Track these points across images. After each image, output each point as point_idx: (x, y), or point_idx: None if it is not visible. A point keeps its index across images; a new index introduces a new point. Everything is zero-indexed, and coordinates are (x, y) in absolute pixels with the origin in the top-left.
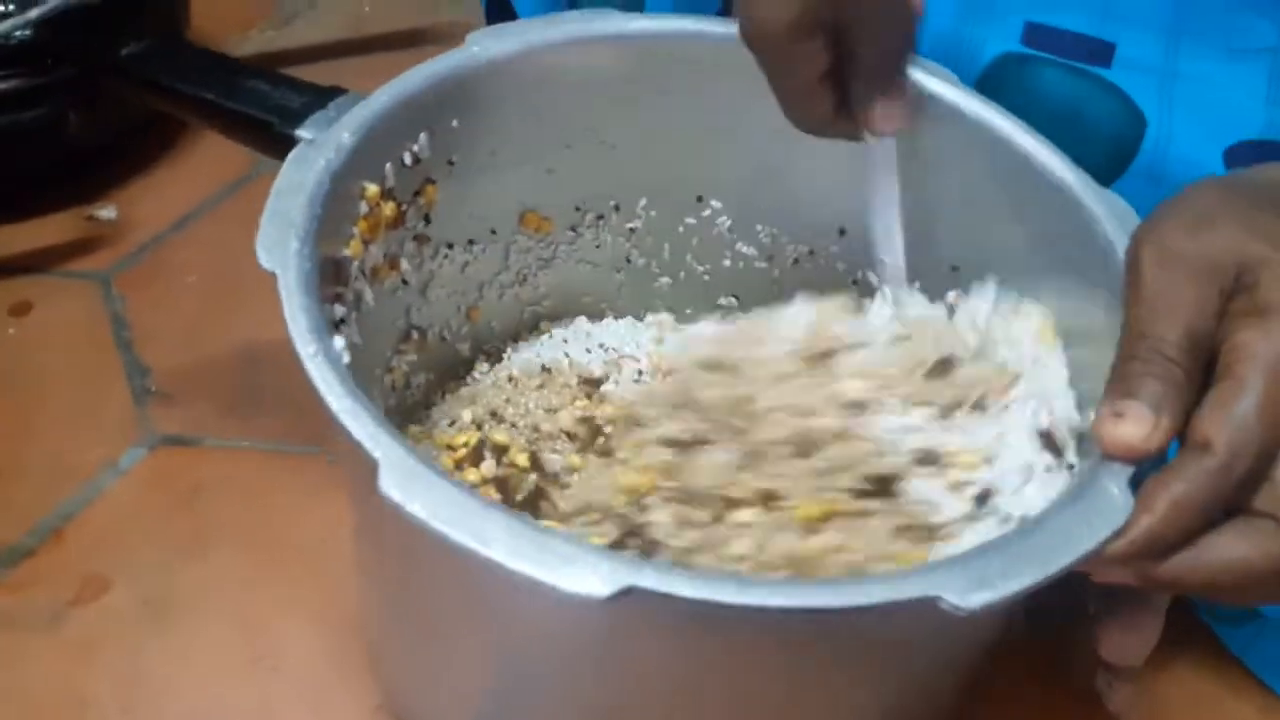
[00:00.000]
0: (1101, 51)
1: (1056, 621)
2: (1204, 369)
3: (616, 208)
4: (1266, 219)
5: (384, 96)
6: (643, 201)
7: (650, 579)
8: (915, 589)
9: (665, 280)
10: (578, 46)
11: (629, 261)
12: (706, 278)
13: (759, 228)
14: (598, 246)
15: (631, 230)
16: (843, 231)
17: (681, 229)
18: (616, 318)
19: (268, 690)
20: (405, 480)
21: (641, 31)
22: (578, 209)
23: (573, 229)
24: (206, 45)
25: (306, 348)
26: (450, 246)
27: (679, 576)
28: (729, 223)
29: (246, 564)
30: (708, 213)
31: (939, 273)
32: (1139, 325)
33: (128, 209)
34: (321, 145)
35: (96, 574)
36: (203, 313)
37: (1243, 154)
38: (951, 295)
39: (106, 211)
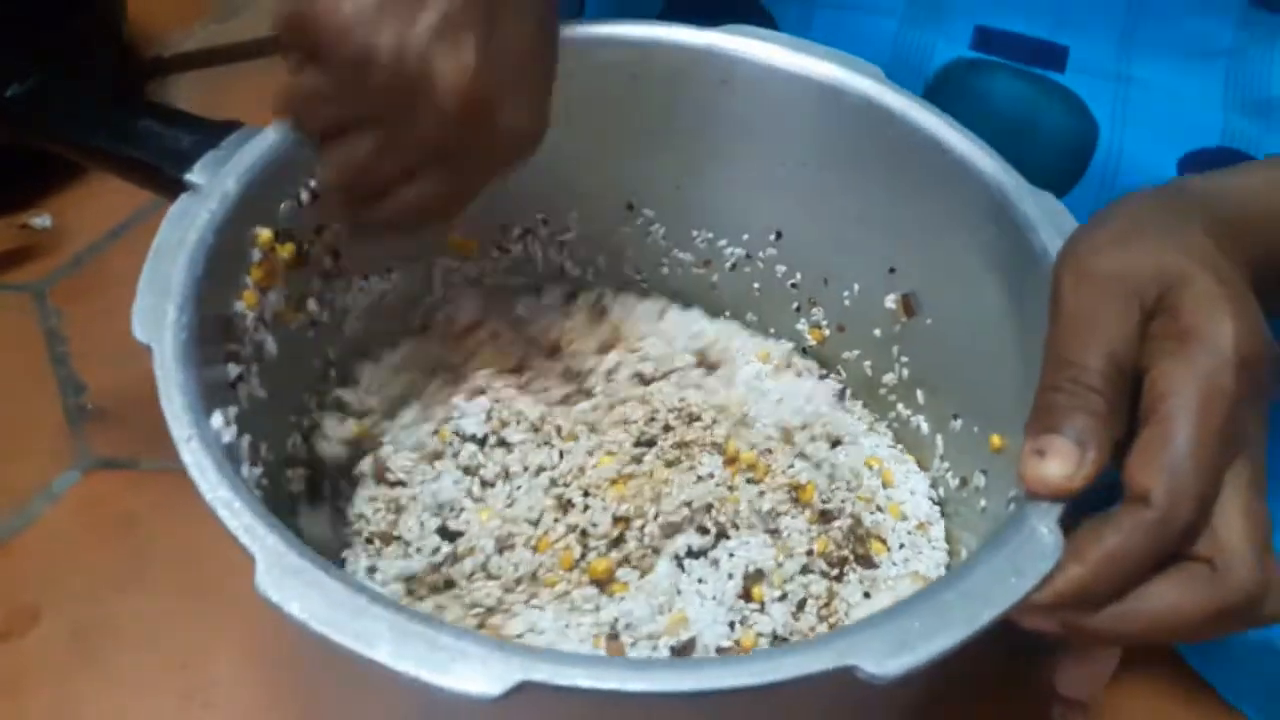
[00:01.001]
0: (1054, 55)
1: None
2: (1129, 393)
3: (544, 220)
4: (1193, 232)
5: (273, 134)
6: (573, 213)
7: (544, 672)
8: (829, 659)
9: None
10: None
11: (563, 274)
12: (645, 285)
13: (694, 233)
14: (528, 261)
15: (562, 243)
16: (779, 235)
17: (615, 238)
18: None
19: None
20: (284, 577)
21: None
22: (503, 226)
23: (499, 247)
24: (147, 42)
25: (181, 431)
26: (366, 278)
27: (575, 667)
28: (663, 230)
29: (181, 595)
30: (640, 220)
31: (878, 273)
32: (1059, 352)
33: (62, 217)
34: (205, 195)
35: (26, 604)
36: None
37: (1198, 162)
38: None
39: (40, 220)
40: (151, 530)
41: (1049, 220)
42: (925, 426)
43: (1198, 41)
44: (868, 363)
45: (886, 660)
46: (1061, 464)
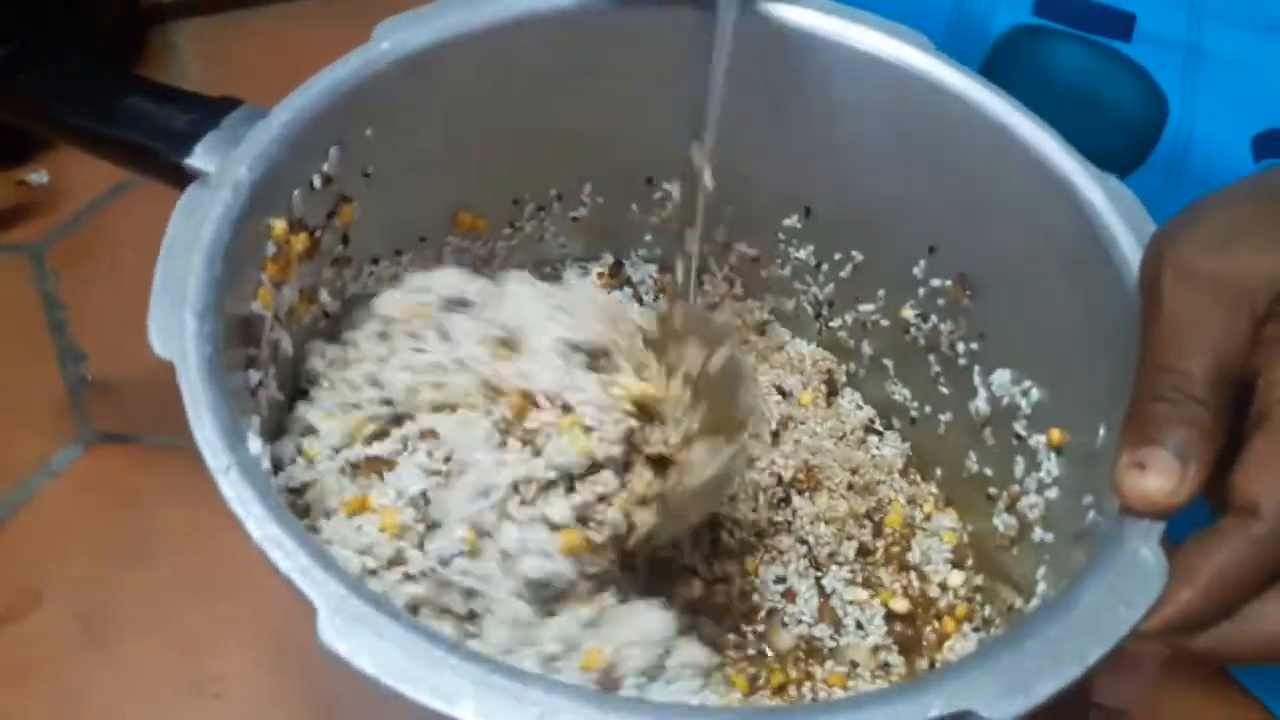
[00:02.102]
0: (1121, 22)
1: None
2: (1235, 405)
3: (559, 196)
4: None
5: (284, 114)
6: (587, 188)
7: None
8: (939, 704)
9: None
10: (496, 32)
11: (576, 254)
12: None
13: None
14: (540, 239)
15: (575, 220)
16: (808, 212)
17: (631, 214)
18: None
19: (210, 717)
20: (349, 625)
21: (562, 9)
22: (515, 202)
23: (511, 224)
24: None
25: (217, 461)
26: (375, 262)
27: None
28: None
29: (189, 578)
30: (659, 195)
31: (915, 255)
32: (1160, 358)
33: (61, 173)
34: (216, 185)
35: (27, 587)
36: (143, 290)
37: (1273, 141)
38: None
39: (38, 176)
40: (156, 509)
41: (1116, 207)
42: None
43: (1274, 12)
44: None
45: (1000, 703)
46: (1163, 479)
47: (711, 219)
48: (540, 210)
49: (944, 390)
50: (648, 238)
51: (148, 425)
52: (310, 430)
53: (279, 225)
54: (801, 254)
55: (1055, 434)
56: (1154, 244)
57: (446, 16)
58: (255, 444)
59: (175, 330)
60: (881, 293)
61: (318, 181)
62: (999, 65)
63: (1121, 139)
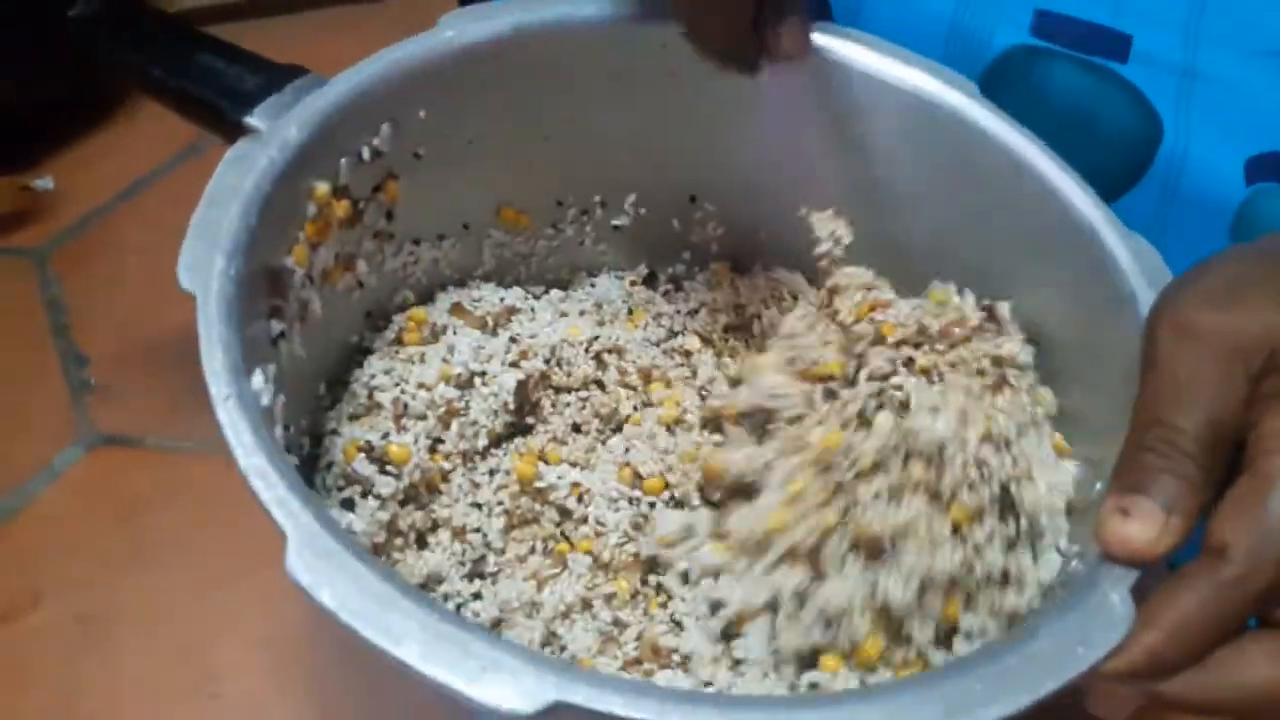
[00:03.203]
0: (1117, 44)
1: None
2: (1226, 462)
3: (602, 204)
4: None
5: (341, 85)
6: (631, 198)
7: (582, 694)
8: (880, 716)
9: None
10: (560, 32)
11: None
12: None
13: (754, 233)
14: (580, 244)
15: (616, 228)
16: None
17: (671, 231)
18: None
19: (209, 718)
20: (316, 560)
21: (630, 15)
22: (559, 203)
23: (554, 225)
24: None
25: (219, 389)
26: (417, 243)
27: (615, 692)
28: (722, 229)
29: (188, 579)
30: (700, 214)
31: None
32: (1153, 410)
33: (66, 179)
34: (265, 142)
35: (27, 588)
36: (146, 296)
37: (1266, 165)
38: None
39: (43, 181)
40: (157, 511)
41: (1138, 263)
42: None
43: (1269, 37)
44: None
45: None
46: (1145, 527)
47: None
48: (583, 214)
49: None
50: (685, 255)
51: (149, 428)
52: None
53: (322, 188)
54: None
55: (1059, 442)
56: (1157, 299)
57: (512, 14)
58: (258, 381)
59: (203, 267)
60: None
61: (366, 154)
62: (995, 85)
63: (1115, 159)
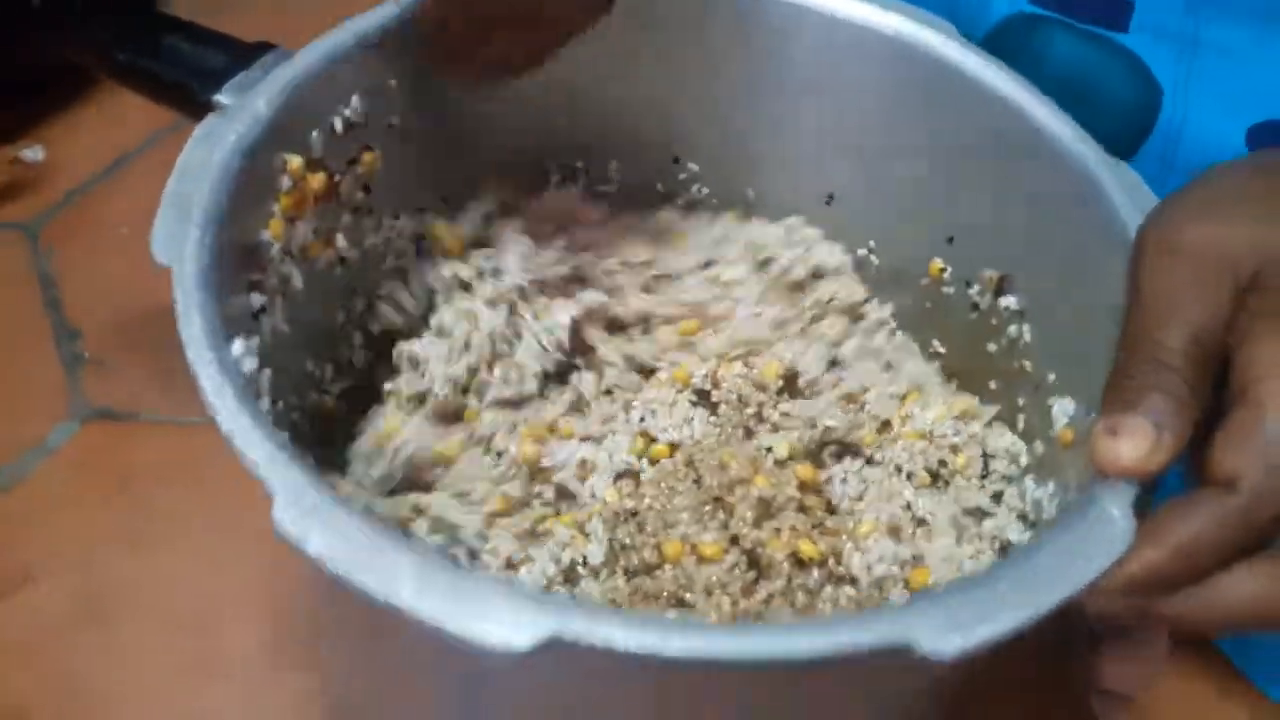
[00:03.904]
0: (1118, 12)
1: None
2: (1213, 376)
3: (585, 169)
4: None
5: (308, 57)
6: (614, 163)
7: (578, 627)
8: (881, 634)
9: None
10: None
11: None
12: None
13: (741, 192)
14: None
15: (599, 194)
16: (830, 199)
17: (654, 193)
18: None
19: (210, 696)
20: (302, 514)
21: None
22: (543, 170)
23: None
24: None
25: (199, 354)
26: (396, 216)
27: (612, 625)
28: (706, 188)
29: (186, 556)
30: (684, 175)
31: (934, 242)
32: (1138, 328)
33: (56, 150)
34: (233, 116)
35: (22, 564)
36: (139, 268)
37: (1268, 134)
38: None
39: (32, 152)
40: (153, 486)
41: (1128, 195)
42: None
43: (1273, 2)
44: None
45: (945, 638)
46: (1135, 444)
47: (732, 202)
48: (565, 181)
49: None
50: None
51: (144, 402)
52: None
53: (295, 161)
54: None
55: (1066, 434)
56: (1145, 218)
57: None
58: (238, 348)
59: (176, 239)
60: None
61: (339, 125)
62: (994, 52)
63: (1115, 129)
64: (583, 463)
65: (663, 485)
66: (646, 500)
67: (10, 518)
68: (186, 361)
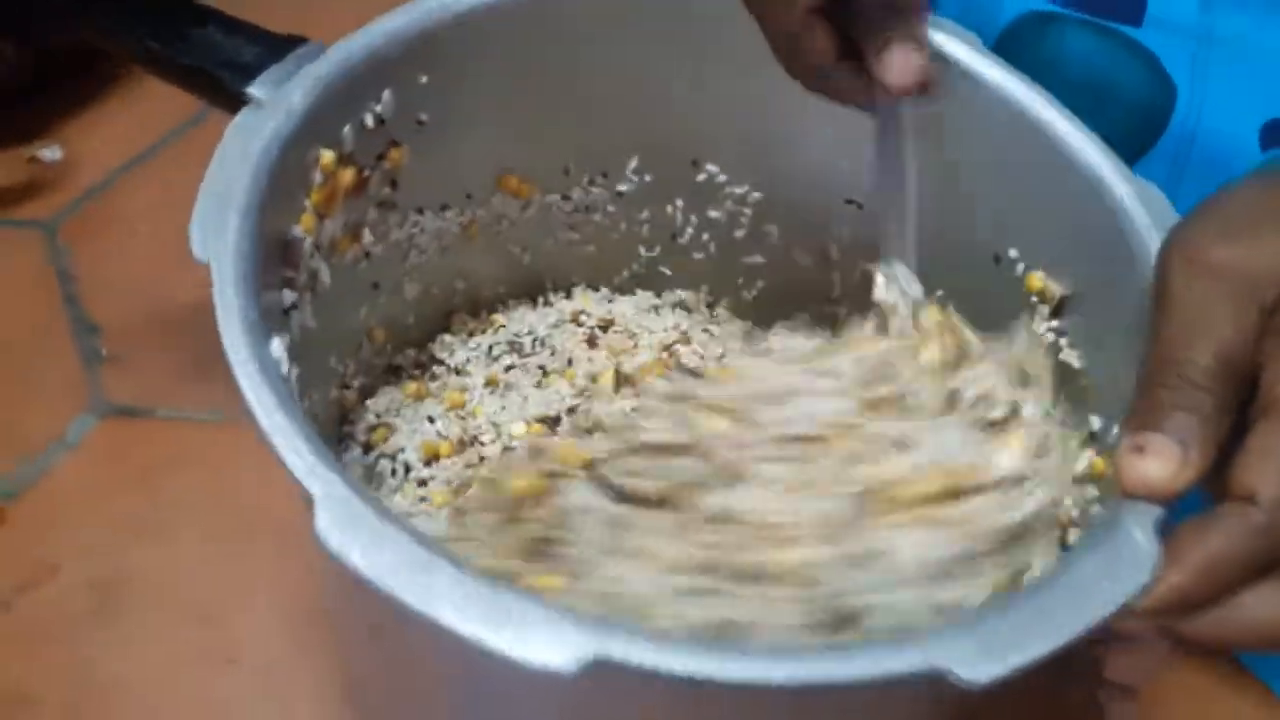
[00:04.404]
0: (1131, 7)
1: None
2: (1240, 396)
3: (604, 172)
4: None
5: (342, 52)
6: (633, 164)
7: (623, 649)
8: (916, 660)
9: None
10: None
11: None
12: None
13: (760, 196)
14: (588, 211)
15: (620, 194)
16: (852, 202)
17: (672, 196)
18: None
19: (225, 685)
20: (346, 522)
21: None
22: (565, 171)
23: (562, 194)
24: None
25: (238, 354)
26: (420, 212)
27: (659, 648)
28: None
29: (204, 548)
30: (703, 177)
31: (982, 262)
32: (1165, 347)
33: (74, 148)
34: (270, 109)
35: (42, 559)
36: (156, 264)
37: None
38: None
39: (50, 152)
40: (171, 480)
41: (1147, 209)
42: None
43: None
44: None
45: (979, 665)
46: (1162, 463)
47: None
48: (590, 183)
49: None
50: (693, 219)
51: (162, 398)
52: None
53: (328, 156)
54: None
55: (1099, 463)
56: (1168, 236)
57: None
58: (278, 349)
59: (217, 233)
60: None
61: (370, 120)
62: (1008, 50)
63: (1129, 126)
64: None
65: None
66: None
67: (30, 512)
68: (226, 361)
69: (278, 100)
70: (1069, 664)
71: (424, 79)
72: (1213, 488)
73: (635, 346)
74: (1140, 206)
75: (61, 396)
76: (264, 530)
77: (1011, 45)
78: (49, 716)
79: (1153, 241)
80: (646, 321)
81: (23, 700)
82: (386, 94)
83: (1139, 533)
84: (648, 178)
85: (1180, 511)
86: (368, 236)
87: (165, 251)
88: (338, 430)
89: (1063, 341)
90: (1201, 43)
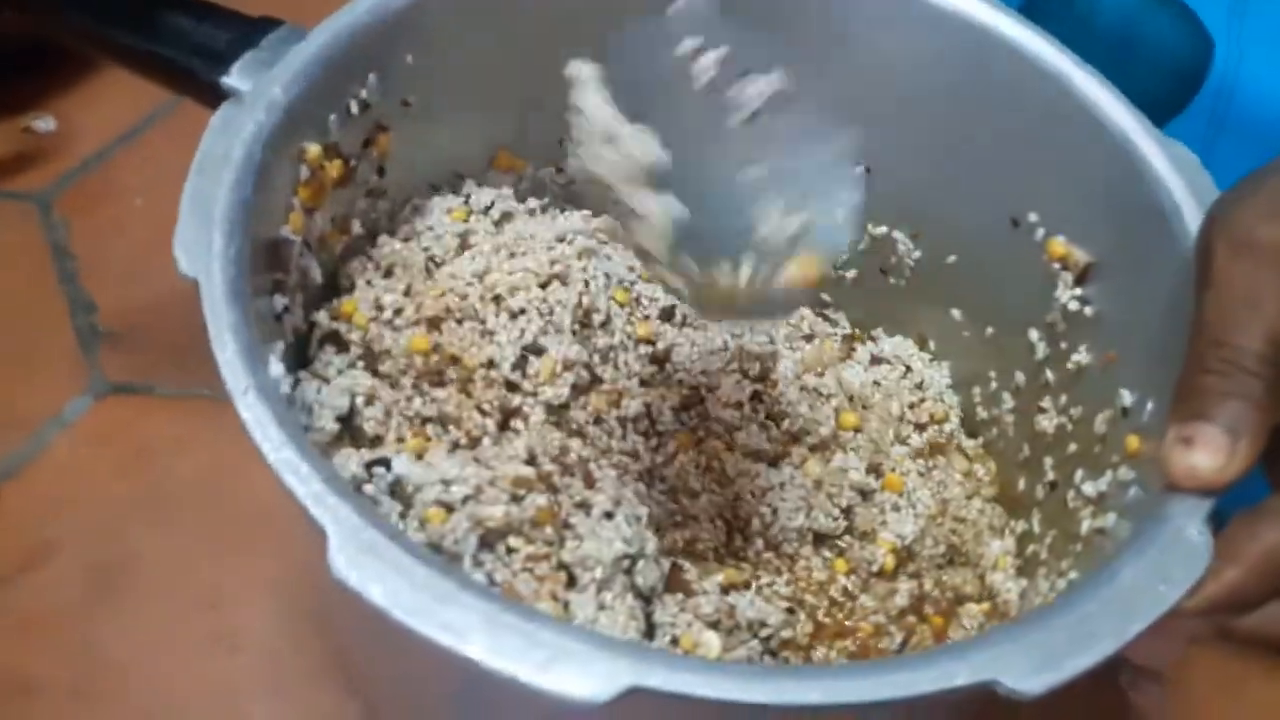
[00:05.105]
0: None
1: None
2: None
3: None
4: None
5: (323, 36)
6: None
7: (659, 678)
8: (969, 673)
9: None
10: None
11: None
12: None
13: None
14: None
15: None
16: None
17: None
18: None
19: (228, 670)
20: (361, 555)
21: None
22: (560, 142)
23: (557, 166)
24: None
25: (237, 382)
26: (410, 196)
27: (693, 673)
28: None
29: (204, 529)
30: None
31: (999, 227)
32: (1212, 330)
33: (68, 119)
34: (250, 104)
35: (41, 539)
36: (153, 239)
37: None
38: None
39: (44, 122)
40: (170, 460)
41: (1181, 174)
42: None
43: None
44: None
45: (1030, 677)
46: (1212, 455)
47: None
48: None
49: None
50: None
51: (160, 375)
52: None
53: (314, 149)
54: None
55: (1132, 441)
56: (1210, 213)
57: None
58: (276, 368)
59: (202, 248)
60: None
61: (355, 107)
62: (1039, 5)
63: (1164, 83)
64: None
65: None
66: None
67: (27, 491)
68: (224, 386)
69: (257, 93)
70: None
71: (409, 58)
72: (1270, 476)
73: None
74: (1173, 170)
75: (58, 374)
76: (263, 509)
77: (1044, 2)
78: (52, 700)
79: (1186, 206)
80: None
81: (25, 684)
82: (371, 77)
83: (1191, 528)
84: None
85: (1234, 499)
86: (356, 227)
87: (162, 225)
88: None
89: (1087, 310)
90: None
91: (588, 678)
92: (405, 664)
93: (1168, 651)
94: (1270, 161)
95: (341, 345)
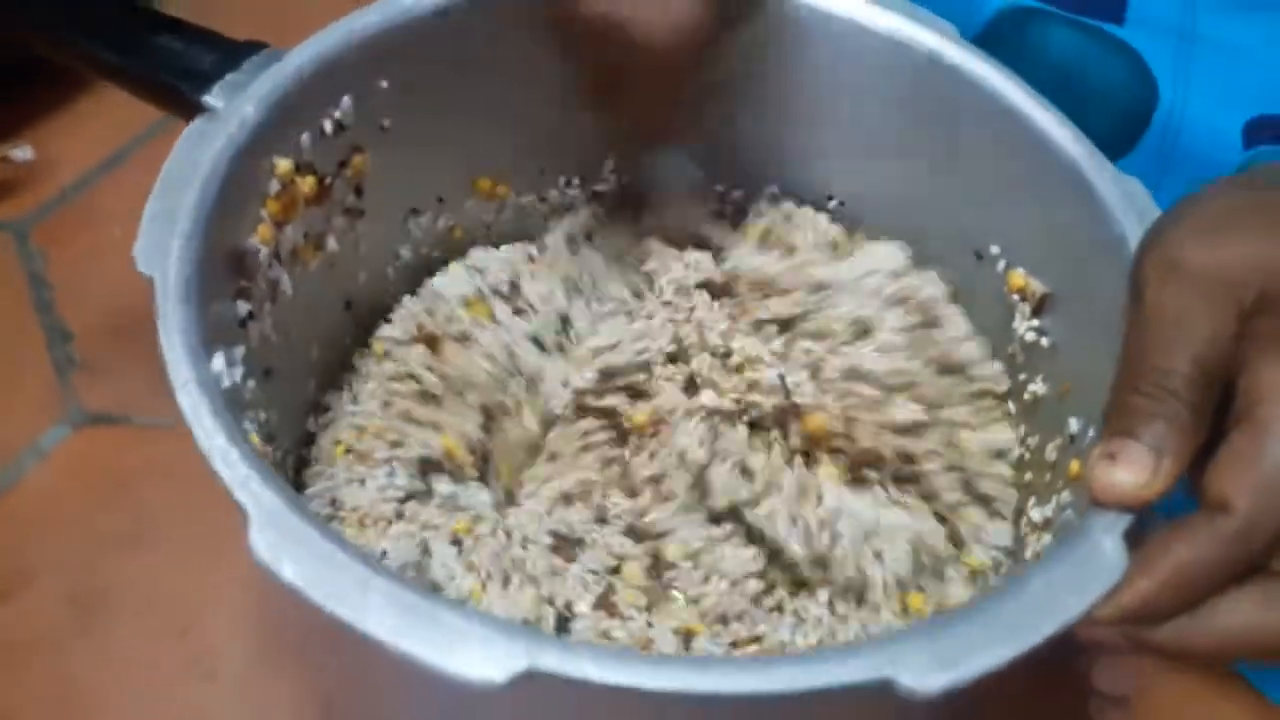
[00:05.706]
0: (1113, 5)
1: None
2: (1216, 401)
3: (580, 173)
4: None
5: (298, 58)
6: (608, 162)
7: (554, 660)
8: (865, 670)
9: None
10: None
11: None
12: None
13: (735, 192)
14: (568, 210)
15: (598, 193)
16: (837, 200)
17: (648, 191)
18: None
19: (204, 698)
20: (279, 537)
21: None
22: (542, 171)
23: (539, 196)
24: None
25: (178, 374)
26: (389, 219)
27: (588, 658)
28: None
29: (180, 558)
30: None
31: (966, 260)
32: (1141, 351)
33: (46, 149)
34: (222, 120)
35: (16, 569)
36: (130, 269)
37: (1266, 128)
38: None
39: (21, 151)
40: (147, 490)
41: (1130, 205)
42: None
43: None
44: None
45: (928, 675)
46: (1135, 472)
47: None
48: (568, 183)
49: None
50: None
51: (136, 405)
52: None
53: (283, 164)
54: None
55: (1074, 466)
56: (1145, 235)
57: None
58: (219, 363)
59: (159, 249)
60: None
61: (329, 128)
62: (990, 46)
63: (1111, 123)
64: None
65: None
66: None
67: (3, 521)
68: (165, 377)
69: (230, 110)
70: (1043, 672)
71: (384, 83)
72: (1191, 492)
73: None
74: (1123, 203)
75: (34, 404)
76: (240, 540)
77: (993, 41)
78: None
79: (1134, 239)
80: None
81: (2, 714)
82: (346, 100)
83: (1107, 540)
84: (624, 177)
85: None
86: (333, 244)
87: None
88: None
89: (1044, 341)
90: (1184, 40)
91: (487, 659)
92: (366, 688)
93: (1131, 678)
94: (1203, 187)
95: None
